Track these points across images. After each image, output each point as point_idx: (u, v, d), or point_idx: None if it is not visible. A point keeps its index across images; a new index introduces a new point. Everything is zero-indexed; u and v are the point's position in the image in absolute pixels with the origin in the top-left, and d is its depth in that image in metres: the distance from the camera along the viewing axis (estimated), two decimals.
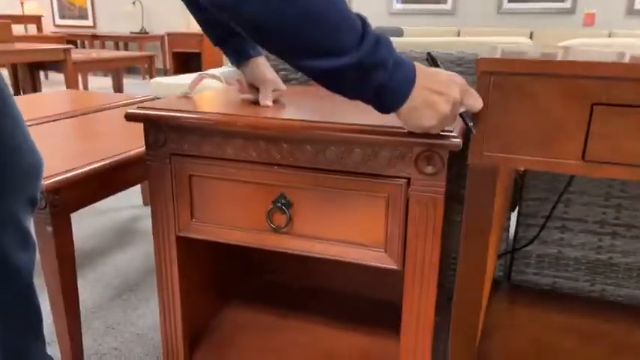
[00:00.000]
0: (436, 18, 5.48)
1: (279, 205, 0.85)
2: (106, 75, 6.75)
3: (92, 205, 2.22)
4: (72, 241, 1.08)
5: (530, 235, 1.22)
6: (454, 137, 0.71)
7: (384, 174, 0.78)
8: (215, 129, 0.84)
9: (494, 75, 0.68)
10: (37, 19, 6.60)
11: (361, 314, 1.23)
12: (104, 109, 1.72)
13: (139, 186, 2.54)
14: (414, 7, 5.54)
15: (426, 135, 0.71)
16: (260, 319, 1.21)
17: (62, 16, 7.79)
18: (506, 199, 0.79)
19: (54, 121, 1.54)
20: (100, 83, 6.01)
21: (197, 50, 6.13)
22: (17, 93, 3.99)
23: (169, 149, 0.89)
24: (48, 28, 7.40)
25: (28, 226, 0.85)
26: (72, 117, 1.60)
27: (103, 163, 1.14)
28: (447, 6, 5.42)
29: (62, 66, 3.65)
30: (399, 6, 5.59)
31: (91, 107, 1.72)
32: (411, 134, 0.72)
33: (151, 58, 4.57)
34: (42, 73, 5.18)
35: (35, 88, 3.88)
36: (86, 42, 7.20)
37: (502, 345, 1.00)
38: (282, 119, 0.80)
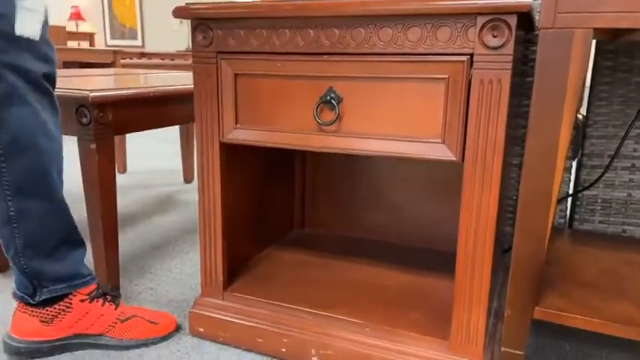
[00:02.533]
0: None
1: (328, 99, 0.80)
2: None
3: (136, 178, 2.24)
4: (114, 164, 1.06)
5: (595, 178, 1.12)
6: None
7: (444, 52, 0.72)
8: (263, 17, 0.81)
9: None
10: (90, 36, 6.94)
11: (413, 260, 1.15)
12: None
13: (180, 166, 2.56)
14: None
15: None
16: (303, 259, 1.15)
17: (113, 37, 8.18)
18: (576, 95, 0.71)
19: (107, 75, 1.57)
20: None
21: None
22: None
23: (216, 47, 0.86)
24: (100, 47, 7.76)
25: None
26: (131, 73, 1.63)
27: (147, 89, 1.13)
28: None
29: (111, 68, 3.78)
30: None
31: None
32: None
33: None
34: None
35: None
36: (134, 58, 7.50)
37: (568, 273, 0.89)
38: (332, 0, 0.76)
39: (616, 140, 1.09)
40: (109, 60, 3.78)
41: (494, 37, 0.69)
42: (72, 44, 7.07)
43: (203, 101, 0.89)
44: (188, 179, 2.22)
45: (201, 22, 0.86)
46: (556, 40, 0.66)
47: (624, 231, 1.12)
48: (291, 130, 0.84)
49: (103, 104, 1.01)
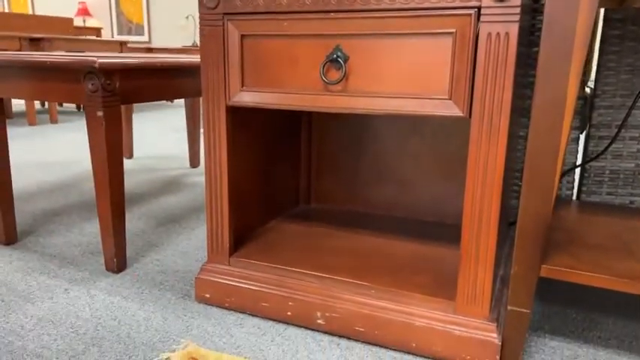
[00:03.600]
0: None
1: (335, 58, 0.80)
2: None
3: (143, 163, 2.25)
4: (121, 132, 1.07)
5: (602, 149, 1.11)
6: None
7: (451, 5, 0.72)
8: None
9: None
10: (97, 31, 6.98)
11: (420, 232, 1.15)
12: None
13: (187, 152, 2.57)
14: None
15: None
16: (309, 230, 1.15)
17: (120, 33, 8.22)
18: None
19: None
20: None
21: None
22: None
23: (222, 9, 0.87)
24: None
25: None
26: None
27: (155, 59, 1.13)
28: None
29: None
30: None
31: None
32: None
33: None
34: None
35: None
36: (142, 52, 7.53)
37: (575, 238, 0.89)
38: None
39: (624, 110, 1.08)
40: (117, 50, 3.81)
41: None
42: None
43: (209, 64, 0.90)
44: (195, 164, 2.23)
45: None
46: None
47: (632, 202, 1.12)
48: (297, 90, 0.84)
49: (111, 71, 1.02)
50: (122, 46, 3.75)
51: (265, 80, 0.87)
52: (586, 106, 1.14)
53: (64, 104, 4.48)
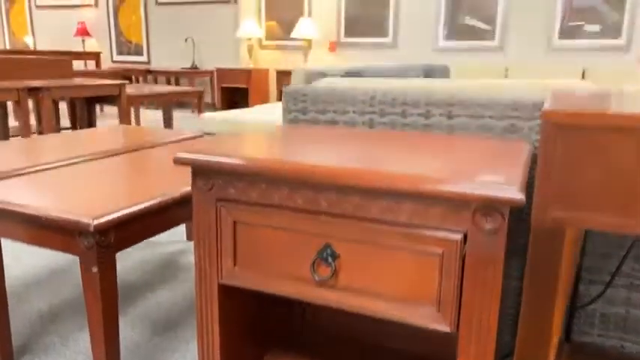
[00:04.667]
0: (483, 54, 5.42)
1: (325, 256, 0.81)
2: (157, 108, 7.01)
3: None
4: (116, 281, 1.08)
5: (593, 292, 1.12)
6: (516, 191, 0.66)
7: (438, 228, 0.73)
8: (261, 175, 0.82)
9: (561, 128, 0.63)
10: (95, 56, 7.00)
11: None
12: (154, 146, 1.76)
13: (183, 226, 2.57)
14: (460, 44, 5.51)
15: (485, 188, 0.66)
16: None
17: (120, 52, 8.23)
18: (574, 258, 0.72)
19: (104, 157, 1.58)
20: (151, 116, 6.23)
21: (244, 86, 6.29)
22: (74, 124, 4.19)
23: (216, 194, 0.88)
24: (106, 63, 7.81)
25: None
26: (123, 153, 1.64)
27: (151, 202, 1.14)
28: (495, 42, 5.36)
29: (117, 100, 3.82)
30: (445, 43, 5.57)
31: (141, 144, 1.76)
32: (467, 186, 0.67)
33: (199, 94, 4.72)
34: (97, 106, 5.44)
35: (91, 120, 4.07)
36: (140, 77, 7.55)
37: None
38: (328, 167, 0.77)
39: (615, 259, 1.09)
40: (115, 93, 3.82)
41: (488, 221, 0.70)
42: (78, 64, 7.14)
43: (202, 243, 0.91)
44: (191, 237, 2.23)
45: (202, 170, 0.87)
46: (547, 235, 0.67)
47: (622, 346, 1.13)
48: (288, 279, 0.85)
49: (106, 229, 1.03)
50: (120, 88, 3.76)
51: (258, 265, 0.88)
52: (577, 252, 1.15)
53: None
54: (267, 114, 2.84)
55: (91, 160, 1.54)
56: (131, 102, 3.99)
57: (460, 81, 1.24)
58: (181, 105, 7.32)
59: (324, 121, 1.27)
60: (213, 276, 0.91)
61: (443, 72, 4.28)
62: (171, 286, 1.78)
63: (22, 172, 1.35)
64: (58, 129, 4.34)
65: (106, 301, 1.05)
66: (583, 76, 4.86)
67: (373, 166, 0.76)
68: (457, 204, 0.71)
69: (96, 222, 1.00)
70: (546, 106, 0.65)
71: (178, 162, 0.87)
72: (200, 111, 4.71)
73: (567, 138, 0.62)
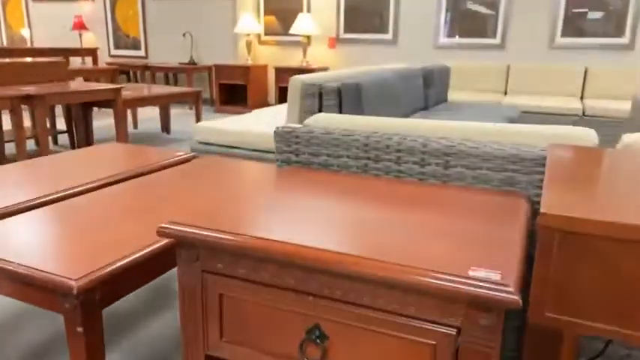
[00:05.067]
0: (484, 52, 5.35)
1: (314, 337, 0.78)
2: (155, 105, 6.95)
3: None
4: (102, 340, 1.05)
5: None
6: (511, 293, 0.63)
7: (432, 319, 0.70)
8: (247, 254, 0.79)
9: (560, 232, 0.60)
10: (93, 52, 6.92)
11: None
12: (144, 174, 1.72)
13: None
14: (461, 42, 5.43)
15: (480, 287, 0.63)
16: None
17: (117, 46, 8.14)
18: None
19: (92, 191, 1.54)
20: (149, 113, 6.17)
21: (243, 83, 6.22)
22: (70, 127, 4.15)
23: (202, 266, 0.85)
24: (104, 58, 7.74)
25: None
26: (113, 184, 1.60)
27: (141, 253, 1.10)
28: (496, 40, 5.28)
29: (113, 104, 3.78)
30: (445, 40, 5.49)
31: (132, 169, 1.73)
32: (461, 283, 0.64)
33: (197, 94, 4.67)
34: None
35: (87, 122, 4.02)
36: (138, 72, 7.48)
37: None
38: (318, 249, 0.74)
39: None
40: (111, 97, 3.77)
41: (482, 317, 0.67)
42: (75, 61, 7.06)
43: (188, 313, 0.88)
44: None
45: (187, 242, 0.84)
46: (544, 336, 0.63)
47: None
48: (276, 357, 0.83)
49: (91, 288, 1.00)
50: (116, 93, 3.71)
51: (245, 339, 0.85)
52: None
53: (58, 143, 4.45)
54: (265, 124, 2.79)
55: (78, 194, 1.50)
56: (128, 105, 3.96)
57: (459, 123, 1.20)
58: (179, 101, 7.25)
59: (317, 163, 1.23)
60: (199, 347, 0.89)
61: (443, 73, 4.22)
62: (162, 315, 1.75)
63: (6, 211, 1.31)
64: (53, 133, 4.30)
65: (91, 358, 1.03)
66: (585, 76, 4.81)
67: (364, 250, 0.73)
68: (451, 297, 0.68)
69: (80, 283, 0.97)
70: (544, 206, 0.62)
71: (163, 235, 0.83)
72: (198, 109, 4.67)
73: (565, 242, 0.59)
